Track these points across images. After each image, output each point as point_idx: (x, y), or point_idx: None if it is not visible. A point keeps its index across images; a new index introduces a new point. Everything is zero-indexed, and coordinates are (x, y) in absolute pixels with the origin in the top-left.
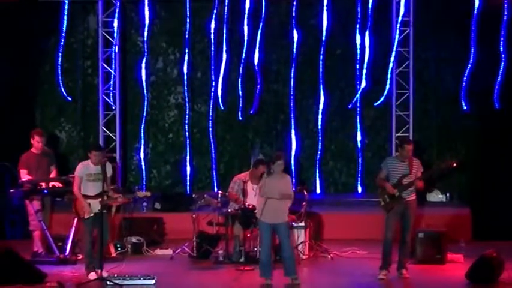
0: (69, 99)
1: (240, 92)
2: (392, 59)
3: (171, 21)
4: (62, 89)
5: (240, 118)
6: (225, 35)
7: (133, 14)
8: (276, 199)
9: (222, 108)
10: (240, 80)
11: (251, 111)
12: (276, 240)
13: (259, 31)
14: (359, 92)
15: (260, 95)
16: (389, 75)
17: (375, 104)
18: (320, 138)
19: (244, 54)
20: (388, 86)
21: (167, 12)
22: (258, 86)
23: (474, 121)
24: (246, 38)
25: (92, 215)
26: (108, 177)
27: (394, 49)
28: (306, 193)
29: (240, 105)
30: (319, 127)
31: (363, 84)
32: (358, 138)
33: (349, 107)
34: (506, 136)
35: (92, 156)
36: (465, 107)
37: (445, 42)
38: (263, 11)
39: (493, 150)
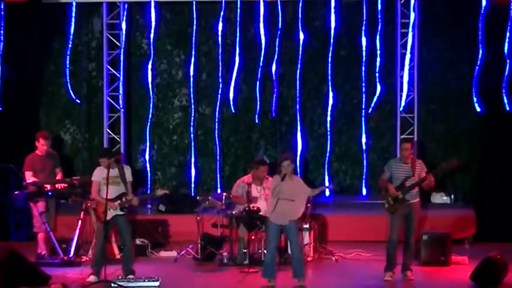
0: (78, 101)
1: (258, 95)
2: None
3: (176, 23)
4: (71, 91)
5: (257, 121)
6: (238, 38)
7: (137, 16)
8: (287, 200)
9: (234, 111)
10: (258, 83)
11: (272, 115)
12: (281, 242)
13: (277, 39)
14: (376, 96)
15: (266, 97)
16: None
17: (400, 110)
18: (329, 139)
19: (262, 58)
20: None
21: (172, 15)
22: (275, 90)
23: (479, 122)
24: (264, 42)
25: (110, 217)
26: (129, 182)
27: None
28: (311, 195)
29: (257, 108)
30: (328, 129)
31: (378, 88)
32: (363, 140)
33: (369, 112)
34: (510, 137)
35: (100, 162)
36: (478, 109)
37: (449, 43)
38: (280, 15)
39: (498, 151)
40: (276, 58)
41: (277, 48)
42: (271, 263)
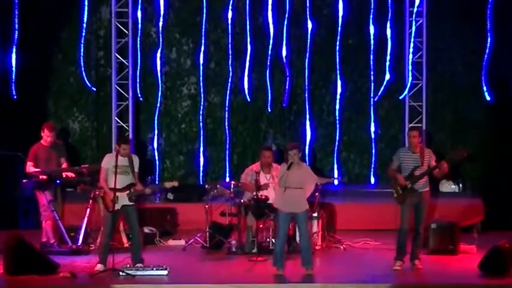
0: (94, 89)
1: (268, 84)
2: (411, 49)
3: (184, 11)
4: (85, 79)
5: (269, 110)
6: (248, 26)
7: (146, 4)
8: (295, 189)
9: (249, 99)
10: (268, 71)
11: (283, 105)
12: (289, 232)
13: (285, 22)
14: (384, 84)
15: (275, 86)
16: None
17: (400, 98)
18: (338, 128)
19: (271, 46)
20: (410, 78)
21: (180, 3)
22: (288, 78)
23: (488, 112)
24: (272, 30)
25: (118, 208)
26: (136, 172)
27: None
28: (319, 183)
29: (269, 97)
30: (337, 117)
31: (387, 76)
32: (372, 128)
33: (375, 99)
34: None
35: (121, 149)
36: (488, 98)
37: (459, 32)
38: (287, 1)
39: (506, 140)
40: (284, 46)
41: (284, 37)
42: (281, 252)
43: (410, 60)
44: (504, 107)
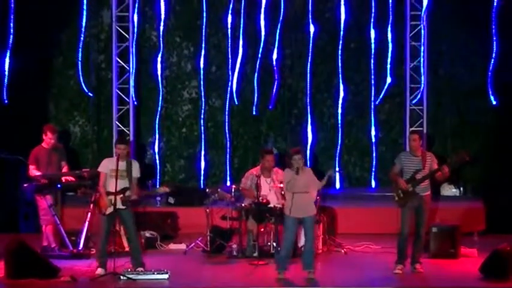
0: (91, 95)
1: (256, 87)
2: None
3: (185, 15)
4: (83, 84)
5: (254, 113)
6: (241, 29)
7: (147, 8)
8: (302, 193)
9: (237, 102)
10: (256, 74)
11: (269, 107)
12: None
13: (279, 25)
14: (385, 88)
15: (274, 89)
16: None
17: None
18: (340, 132)
19: (261, 49)
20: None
21: (181, 6)
22: (276, 82)
23: (489, 115)
24: (263, 32)
25: (111, 211)
26: (135, 178)
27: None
28: (320, 188)
29: (255, 99)
30: (339, 121)
31: (388, 80)
32: (373, 132)
33: (376, 103)
34: None
35: (118, 149)
36: (494, 102)
37: (460, 36)
38: (282, 5)
39: (507, 143)
40: (276, 49)
41: (277, 39)
42: (287, 256)
43: (421, 63)
44: (505, 110)
